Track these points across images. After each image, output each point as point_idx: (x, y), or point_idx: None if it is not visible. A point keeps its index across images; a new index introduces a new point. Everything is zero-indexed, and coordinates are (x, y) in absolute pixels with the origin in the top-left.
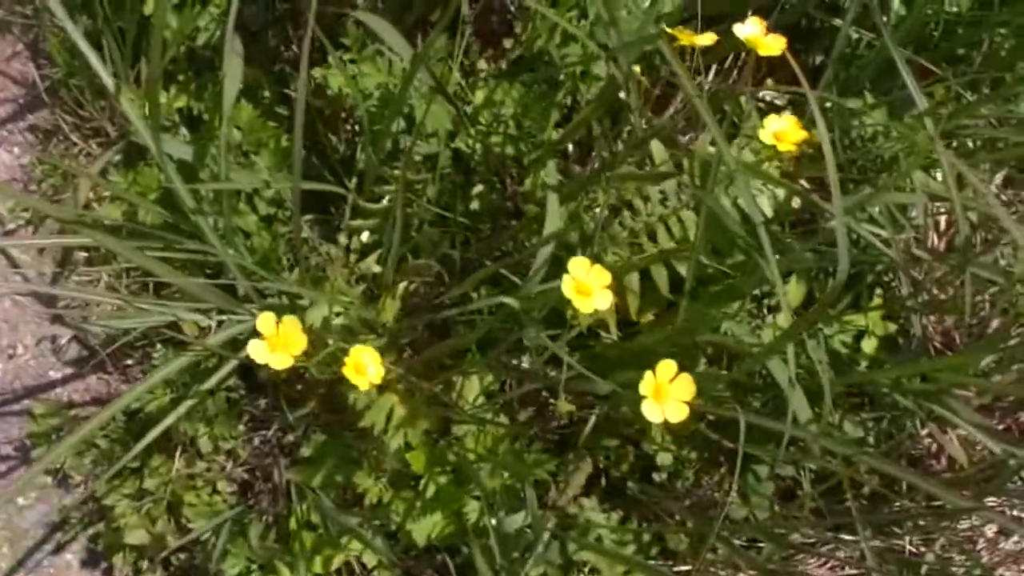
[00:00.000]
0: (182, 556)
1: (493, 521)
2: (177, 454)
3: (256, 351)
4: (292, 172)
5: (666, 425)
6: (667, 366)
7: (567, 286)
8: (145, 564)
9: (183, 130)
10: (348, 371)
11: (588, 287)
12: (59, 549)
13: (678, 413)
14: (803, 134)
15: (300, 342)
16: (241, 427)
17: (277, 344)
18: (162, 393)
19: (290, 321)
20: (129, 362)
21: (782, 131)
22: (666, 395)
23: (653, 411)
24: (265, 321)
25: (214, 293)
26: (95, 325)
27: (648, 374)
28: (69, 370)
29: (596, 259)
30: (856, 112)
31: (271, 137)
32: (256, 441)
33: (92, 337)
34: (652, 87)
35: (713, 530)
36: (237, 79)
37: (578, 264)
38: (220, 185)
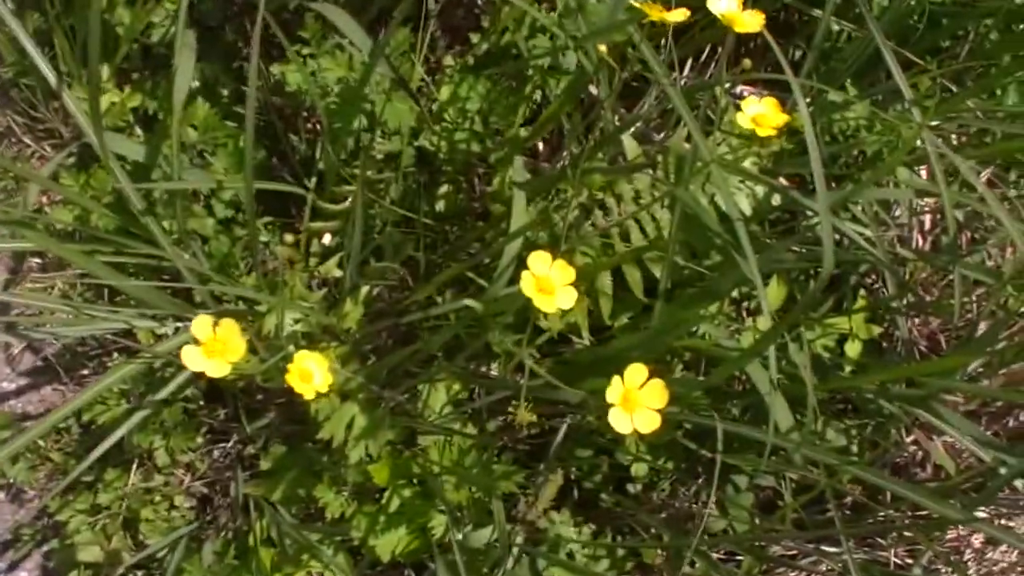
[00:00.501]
0: (139, 573)
1: (459, 536)
2: (133, 468)
3: (190, 357)
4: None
5: (639, 435)
6: (637, 370)
7: (527, 283)
8: None
9: (138, 130)
10: (292, 379)
11: (550, 284)
12: (13, 567)
13: (649, 422)
14: (784, 117)
15: (239, 348)
16: (200, 439)
17: (214, 350)
18: (116, 404)
19: (228, 325)
20: (85, 372)
21: (761, 115)
22: (636, 403)
23: (621, 421)
24: (200, 325)
25: (166, 299)
26: (44, 333)
27: (616, 380)
28: (23, 380)
29: (566, 261)
30: (838, 105)
31: (229, 137)
32: (216, 453)
33: (47, 346)
34: (621, 69)
35: (690, 544)
36: (189, 73)
37: (539, 259)
38: (170, 185)
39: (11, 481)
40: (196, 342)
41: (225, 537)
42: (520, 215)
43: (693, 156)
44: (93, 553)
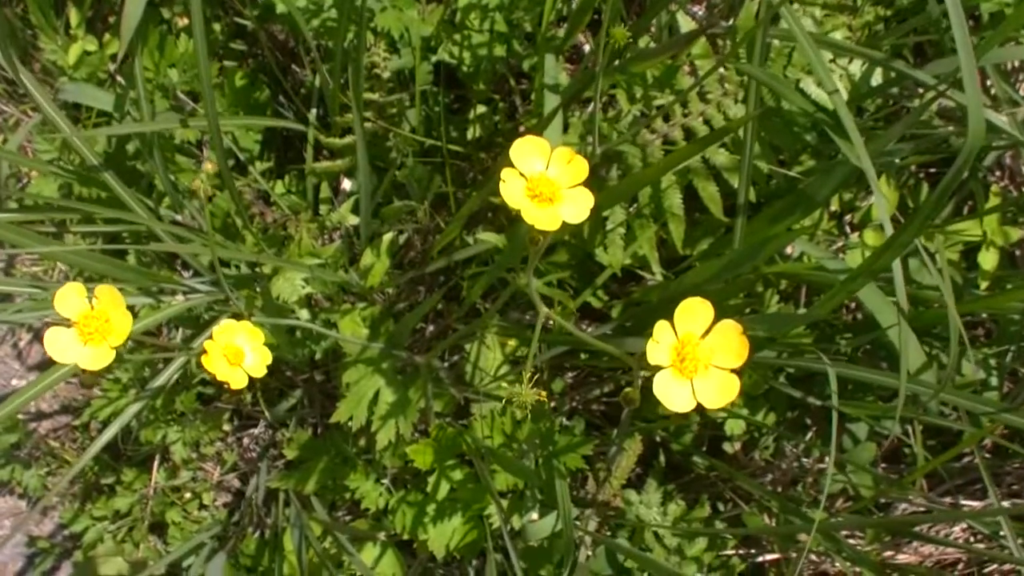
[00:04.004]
0: None
1: (516, 526)
2: (155, 466)
3: (57, 346)
4: (238, 108)
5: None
6: (695, 310)
7: (512, 188)
8: None
9: (121, 81)
10: (210, 362)
11: (550, 186)
12: None
13: (720, 390)
14: None
15: (124, 325)
16: (227, 427)
17: (92, 330)
18: (118, 396)
19: (107, 294)
20: None
21: None
22: (697, 361)
23: (673, 392)
24: (67, 298)
25: (139, 273)
26: (23, 319)
27: (662, 328)
28: (34, 376)
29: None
30: None
31: (229, 75)
32: (245, 441)
33: None
34: None
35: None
36: None
37: (531, 149)
38: (118, 129)
39: (25, 489)
40: (66, 323)
41: (261, 535)
42: (555, 125)
43: (766, 26)
44: (116, 566)
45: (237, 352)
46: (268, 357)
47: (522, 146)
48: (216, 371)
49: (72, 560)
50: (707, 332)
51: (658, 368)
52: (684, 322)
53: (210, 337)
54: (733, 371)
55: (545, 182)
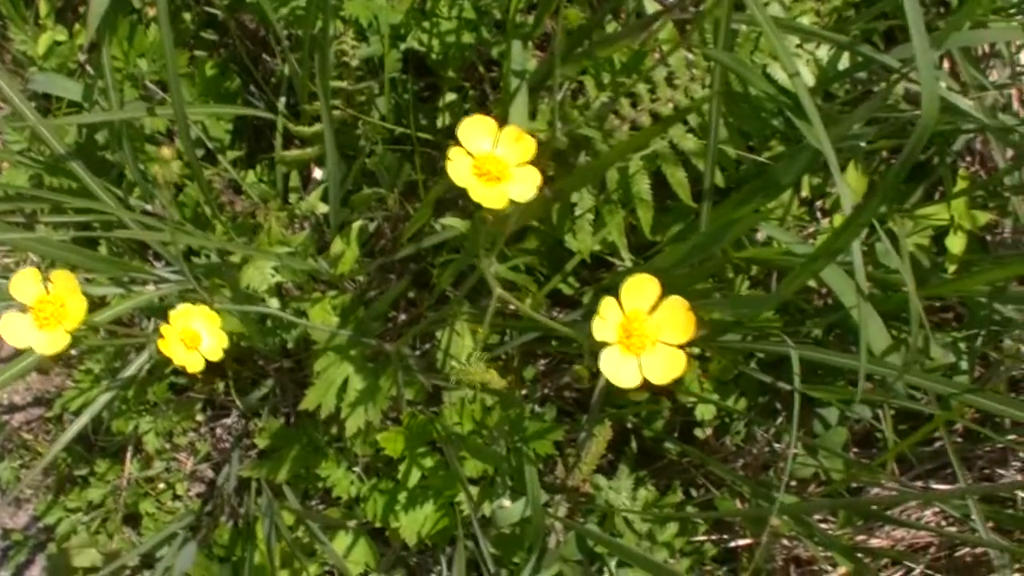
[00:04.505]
0: (146, 574)
1: (486, 513)
2: (128, 457)
3: (12, 331)
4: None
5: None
6: (640, 286)
7: (458, 165)
8: None
9: (91, 71)
10: (167, 346)
11: (498, 165)
12: (18, 575)
13: (666, 366)
14: None
15: (79, 309)
16: (200, 417)
17: (47, 315)
18: (89, 387)
19: (63, 279)
20: (73, 353)
21: None
22: (644, 336)
23: (620, 367)
24: (23, 283)
25: (108, 262)
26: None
27: (608, 305)
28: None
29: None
30: None
31: (200, 65)
32: (218, 431)
33: None
34: None
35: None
36: None
37: (477, 128)
38: (85, 118)
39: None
40: (22, 308)
41: (234, 525)
42: (520, 108)
43: (730, 11)
44: (89, 558)
45: (194, 336)
46: (225, 341)
47: (469, 125)
48: (173, 355)
49: (46, 552)
50: (654, 308)
51: (603, 345)
52: (631, 299)
53: (167, 322)
54: (680, 347)
55: (492, 161)
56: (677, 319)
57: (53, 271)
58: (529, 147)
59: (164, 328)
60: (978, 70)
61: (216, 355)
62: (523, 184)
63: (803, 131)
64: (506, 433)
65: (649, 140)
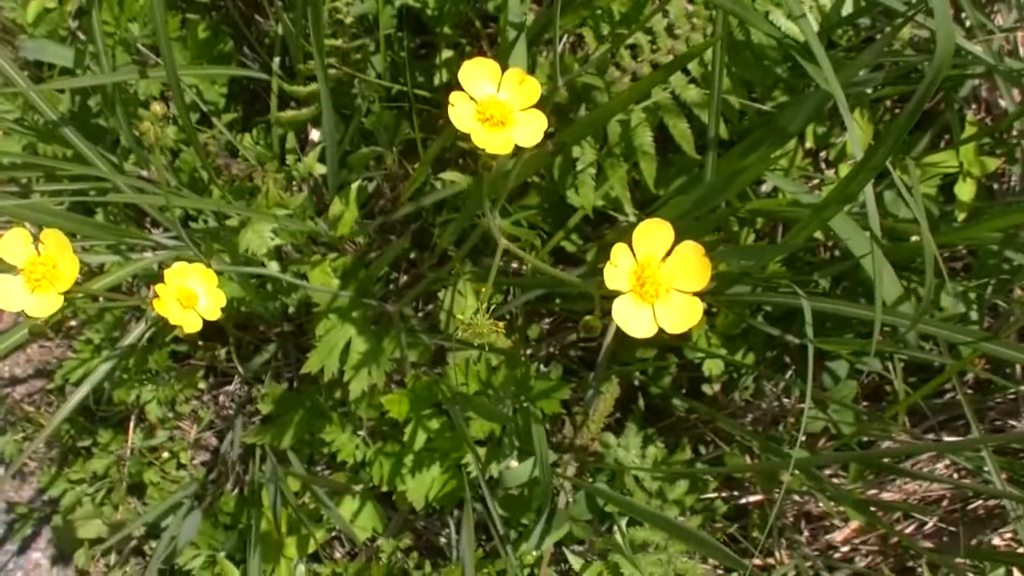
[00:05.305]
0: (153, 544)
1: (493, 474)
2: (131, 427)
3: (3, 294)
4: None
5: (681, 330)
6: (654, 231)
7: (461, 110)
8: (113, 557)
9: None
10: (162, 306)
11: (502, 110)
12: (24, 548)
13: (681, 314)
14: None
15: (71, 269)
16: (202, 384)
17: (40, 277)
18: (90, 356)
19: (54, 238)
20: (73, 323)
21: None
22: (658, 284)
23: (631, 316)
24: (13, 243)
25: (105, 229)
26: None
27: (620, 251)
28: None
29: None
30: None
31: (192, 28)
32: (221, 399)
33: None
34: None
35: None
36: None
37: (480, 71)
38: (77, 82)
39: (2, 455)
40: (14, 270)
41: (237, 494)
42: (519, 64)
43: None
44: (95, 529)
45: (190, 295)
46: (222, 299)
47: (471, 68)
48: (168, 314)
49: (52, 524)
50: (667, 255)
51: (615, 294)
52: (643, 245)
53: (162, 280)
54: (695, 295)
55: (496, 105)
56: (692, 266)
57: (44, 231)
58: (534, 90)
59: (159, 287)
60: (984, 14)
61: (213, 314)
62: (528, 128)
63: (811, 74)
64: (512, 393)
65: (651, 88)
